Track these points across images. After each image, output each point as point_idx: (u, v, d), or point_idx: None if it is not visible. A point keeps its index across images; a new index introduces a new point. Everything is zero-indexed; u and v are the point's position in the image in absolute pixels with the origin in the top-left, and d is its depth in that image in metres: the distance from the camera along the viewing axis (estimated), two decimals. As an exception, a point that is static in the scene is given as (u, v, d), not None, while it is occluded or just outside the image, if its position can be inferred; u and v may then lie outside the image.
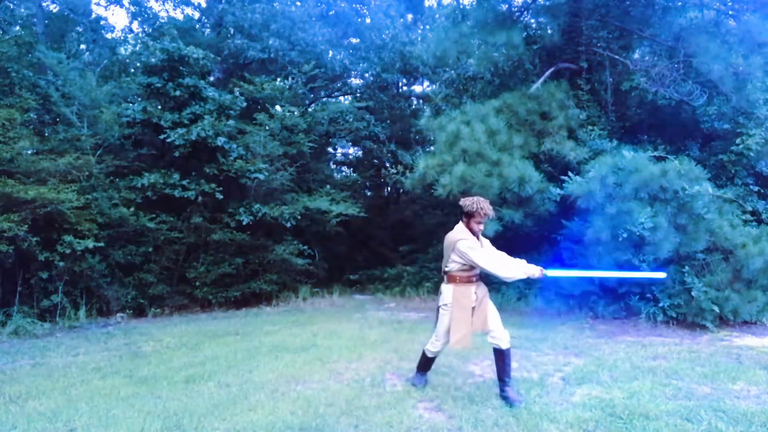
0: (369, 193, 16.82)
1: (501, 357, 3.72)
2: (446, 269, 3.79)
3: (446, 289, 3.79)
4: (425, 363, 4.08)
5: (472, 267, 3.69)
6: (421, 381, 4.07)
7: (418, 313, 8.56)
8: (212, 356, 5.42)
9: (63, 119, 9.70)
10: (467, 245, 3.60)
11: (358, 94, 15.77)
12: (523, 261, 3.79)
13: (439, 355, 4.05)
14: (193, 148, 9.57)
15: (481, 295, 3.76)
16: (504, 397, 3.64)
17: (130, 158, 9.81)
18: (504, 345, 3.68)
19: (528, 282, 8.89)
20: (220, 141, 9.56)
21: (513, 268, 3.65)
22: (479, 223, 3.68)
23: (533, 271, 3.67)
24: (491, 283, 9.23)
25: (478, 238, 3.72)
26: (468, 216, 3.69)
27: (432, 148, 11.22)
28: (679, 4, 8.80)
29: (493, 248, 3.91)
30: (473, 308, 3.69)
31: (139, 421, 3.39)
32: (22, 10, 13.06)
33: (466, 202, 3.73)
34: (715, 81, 7.60)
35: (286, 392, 3.99)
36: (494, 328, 3.71)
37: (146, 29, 15.17)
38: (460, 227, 3.73)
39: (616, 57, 8.67)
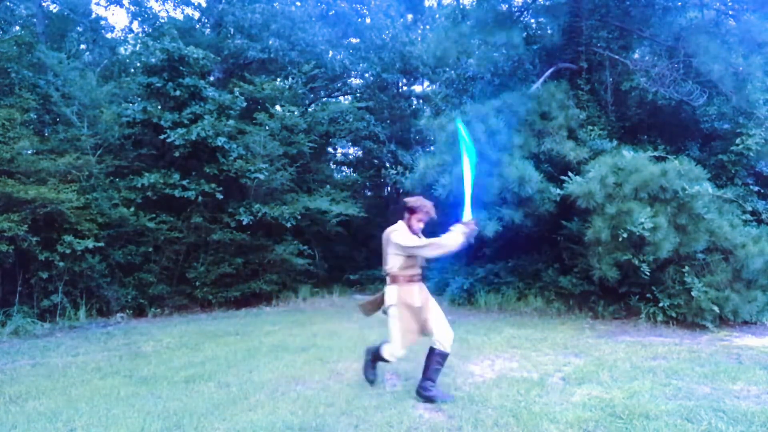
0: (369, 193, 16.83)
1: (438, 358, 3.68)
2: (387, 269, 3.70)
3: (390, 290, 3.68)
4: (376, 359, 3.96)
5: (412, 265, 3.66)
6: (373, 374, 4.04)
7: (418, 313, 8.55)
8: (212, 356, 5.42)
9: (63, 119, 9.70)
10: (403, 237, 3.60)
11: (358, 94, 15.78)
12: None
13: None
14: (193, 148, 9.56)
15: (425, 298, 3.72)
16: (427, 397, 3.63)
17: (130, 158, 9.81)
18: (447, 349, 3.71)
19: (528, 282, 8.91)
20: (220, 141, 9.56)
21: (451, 237, 3.52)
22: (420, 221, 3.68)
23: (464, 228, 3.54)
24: (492, 282, 9.30)
25: (418, 237, 3.71)
26: (411, 212, 3.69)
27: (432, 148, 11.22)
28: (679, 4, 8.79)
29: None
30: (419, 309, 3.65)
31: (139, 421, 3.39)
32: (22, 10, 13.06)
33: (410, 198, 3.79)
34: (715, 81, 7.60)
35: (286, 392, 3.99)
36: (437, 332, 3.68)
37: (146, 29, 15.17)
38: (398, 225, 3.73)
39: (616, 57, 8.66)
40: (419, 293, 3.68)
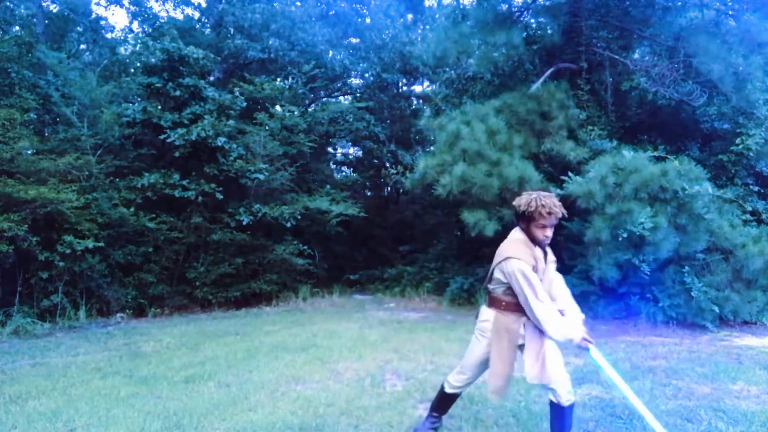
0: (369, 193, 16.82)
1: (560, 414, 2.76)
2: (489, 287, 2.84)
3: (486, 313, 2.85)
4: (442, 401, 3.07)
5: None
6: (426, 428, 3.08)
7: (418, 313, 8.57)
8: (212, 356, 5.42)
9: (63, 119, 9.70)
10: (519, 268, 2.60)
11: (358, 94, 15.77)
12: (571, 315, 2.87)
13: (460, 394, 3.09)
14: (193, 148, 9.56)
15: (530, 333, 2.75)
16: None
17: (130, 158, 9.82)
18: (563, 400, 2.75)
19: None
20: (220, 141, 9.56)
21: (560, 325, 2.60)
22: (544, 227, 2.67)
23: (574, 335, 2.61)
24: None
25: (543, 251, 2.79)
26: (526, 220, 2.70)
27: (432, 148, 11.22)
28: (679, 4, 8.79)
29: (558, 276, 2.99)
30: (520, 346, 2.80)
31: (139, 421, 3.39)
32: (22, 10, 13.04)
33: (520, 201, 2.71)
34: (715, 81, 7.60)
35: (286, 392, 3.99)
36: (555, 379, 2.75)
37: (146, 29, 15.16)
38: (516, 235, 2.78)
39: (616, 57, 8.67)
40: (524, 325, 2.77)
